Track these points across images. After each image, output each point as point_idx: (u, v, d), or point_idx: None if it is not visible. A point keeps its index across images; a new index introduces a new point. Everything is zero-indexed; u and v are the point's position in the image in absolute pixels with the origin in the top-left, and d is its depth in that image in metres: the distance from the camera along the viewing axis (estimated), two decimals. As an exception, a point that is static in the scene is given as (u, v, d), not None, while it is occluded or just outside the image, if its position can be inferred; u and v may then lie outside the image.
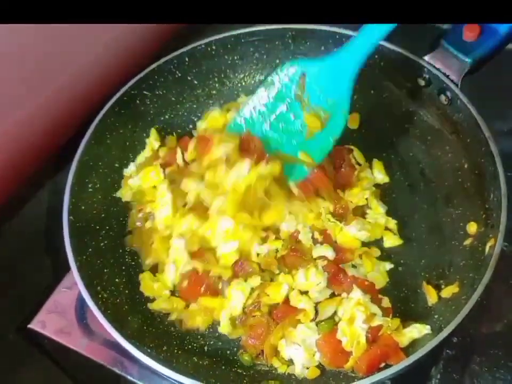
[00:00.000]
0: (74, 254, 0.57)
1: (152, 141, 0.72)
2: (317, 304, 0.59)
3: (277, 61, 0.76)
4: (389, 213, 0.65)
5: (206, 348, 0.60)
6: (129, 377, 0.62)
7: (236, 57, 0.75)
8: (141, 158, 0.71)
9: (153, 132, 0.72)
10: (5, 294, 0.68)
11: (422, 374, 0.60)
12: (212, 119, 0.72)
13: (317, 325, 0.58)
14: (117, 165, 0.69)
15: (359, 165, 0.68)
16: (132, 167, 0.70)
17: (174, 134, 0.73)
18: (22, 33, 0.49)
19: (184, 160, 0.68)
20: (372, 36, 0.58)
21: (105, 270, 0.62)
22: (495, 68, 0.70)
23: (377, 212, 0.65)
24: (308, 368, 0.56)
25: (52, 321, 0.66)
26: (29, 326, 0.66)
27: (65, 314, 0.66)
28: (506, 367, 0.59)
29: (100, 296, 0.58)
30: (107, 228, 0.66)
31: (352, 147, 0.69)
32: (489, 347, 0.61)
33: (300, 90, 0.62)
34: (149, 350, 0.55)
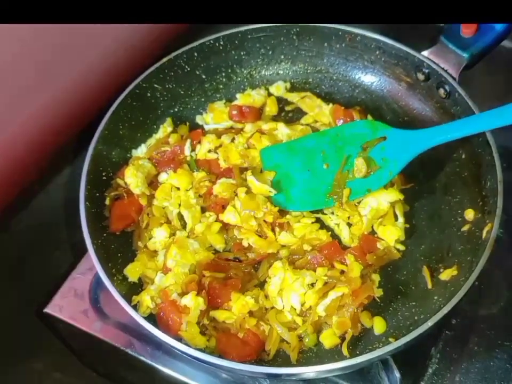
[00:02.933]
0: (91, 237, 0.60)
1: (166, 126, 0.74)
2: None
3: (282, 57, 0.79)
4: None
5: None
6: (141, 357, 0.65)
7: (242, 53, 0.77)
8: (151, 140, 0.74)
9: (168, 120, 0.75)
10: (23, 279, 0.71)
11: (423, 354, 0.63)
12: (217, 112, 0.76)
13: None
14: (128, 155, 0.72)
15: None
16: (143, 149, 0.73)
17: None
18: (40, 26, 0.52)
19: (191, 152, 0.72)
20: (450, 131, 0.62)
21: (119, 254, 0.65)
22: (492, 64, 0.73)
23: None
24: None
25: (67, 306, 0.68)
26: (45, 310, 0.68)
27: (79, 299, 0.69)
28: (502, 346, 0.62)
29: (115, 278, 0.61)
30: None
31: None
32: (486, 328, 0.64)
33: (367, 144, 0.67)
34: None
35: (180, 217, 0.67)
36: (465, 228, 0.63)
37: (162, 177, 0.70)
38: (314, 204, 0.67)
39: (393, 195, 0.67)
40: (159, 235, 0.66)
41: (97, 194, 0.66)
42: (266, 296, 0.61)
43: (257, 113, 0.76)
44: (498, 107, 0.61)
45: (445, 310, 0.53)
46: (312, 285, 0.61)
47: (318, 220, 0.67)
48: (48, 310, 0.68)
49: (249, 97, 0.77)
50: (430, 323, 0.53)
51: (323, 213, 0.67)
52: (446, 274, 0.61)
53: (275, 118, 0.76)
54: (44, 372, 0.74)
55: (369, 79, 0.76)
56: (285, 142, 0.71)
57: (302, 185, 0.67)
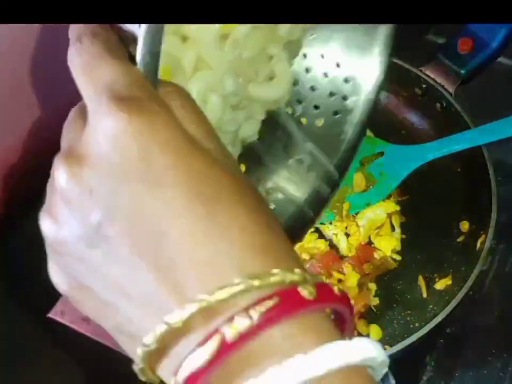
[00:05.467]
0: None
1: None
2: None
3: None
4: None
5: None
6: (142, 363, 0.66)
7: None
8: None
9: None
10: (26, 284, 0.72)
11: (418, 362, 0.64)
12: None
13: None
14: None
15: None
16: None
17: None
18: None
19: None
20: (446, 146, 0.65)
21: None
22: (488, 79, 0.75)
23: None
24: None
25: (70, 311, 0.69)
26: (49, 315, 0.69)
27: (82, 304, 0.70)
28: (496, 355, 0.63)
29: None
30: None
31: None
32: (480, 337, 0.65)
33: (365, 159, 0.69)
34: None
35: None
36: (460, 238, 0.65)
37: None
38: None
39: (390, 206, 0.69)
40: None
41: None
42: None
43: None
44: (492, 122, 0.63)
45: (439, 318, 0.55)
46: (310, 293, 0.63)
47: (317, 230, 0.68)
48: (51, 315, 0.70)
49: None
50: (424, 331, 0.55)
51: (321, 223, 0.68)
52: (440, 284, 0.62)
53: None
54: (45, 377, 0.75)
55: (368, 93, 0.78)
56: None
57: None
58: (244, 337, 0.19)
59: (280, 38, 0.36)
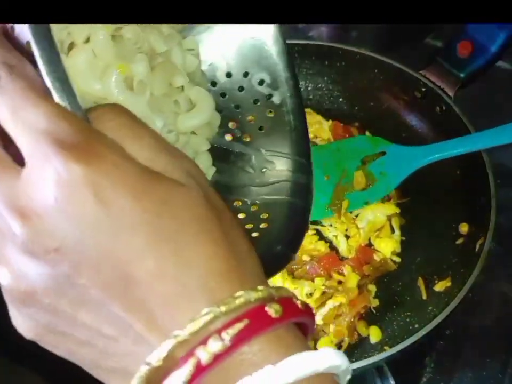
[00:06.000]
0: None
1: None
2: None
3: (284, 74, 0.81)
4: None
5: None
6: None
7: (245, 70, 0.80)
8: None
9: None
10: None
11: (417, 363, 0.64)
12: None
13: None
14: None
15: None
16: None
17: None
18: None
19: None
20: (447, 149, 0.66)
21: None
22: (487, 83, 0.76)
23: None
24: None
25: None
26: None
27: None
28: (495, 356, 0.64)
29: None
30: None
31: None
32: (479, 339, 0.65)
33: (366, 158, 0.69)
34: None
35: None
36: (460, 241, 0.66)
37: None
38: (314, 214, 0.68)
39: (390, 209, 0.69)
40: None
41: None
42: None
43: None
44: (494, 128, 0.63)
45: (438, 319, 0.55)
46: (311, 294, 0.63)
47: (317, 232, 0.69)
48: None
49: None
50: (423, 332, 0.55)
51: (322, 225, 0.69)
52: (440, 286, 0.63)
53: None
54: (45, 377, 0.75)
55: (368, 96, 0.79)
56: None
57: None
58: (217, 358, 0.21)
59: (180, 70, 0.36)
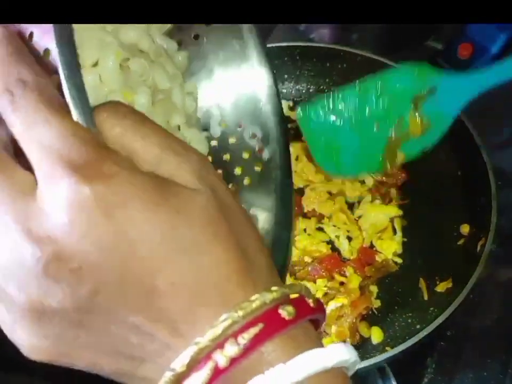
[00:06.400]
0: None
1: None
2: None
3: (285, 76, 0.82)
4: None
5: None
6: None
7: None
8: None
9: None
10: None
11: (419, 364, 0.65)
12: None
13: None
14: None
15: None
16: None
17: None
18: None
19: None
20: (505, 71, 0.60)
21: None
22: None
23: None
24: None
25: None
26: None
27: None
28: (495, 357, 0.64)
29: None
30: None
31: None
32: (480, 340, 0.66)
33: (417, 99, 0.60)
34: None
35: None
36: (460, 242, 0.66)
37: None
38: (368, 167, 0.64)
39: (393, 211, 0.70)
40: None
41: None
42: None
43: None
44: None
45: (439, 320, 0.56)
46: (313, 295, 0.63)
47: (319, 232, 0.69)
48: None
49: None
50: (425, 332, 0.55)
51: (322, 224, 0.69)
52: (441, 287, 0.63)
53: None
54: (45, 379, 0.76)
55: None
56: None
57: (351, 150, 0.63)
58: (233, 361, 0.22)
59: (179, 109, 0.37)
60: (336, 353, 0.24)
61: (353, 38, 0.88)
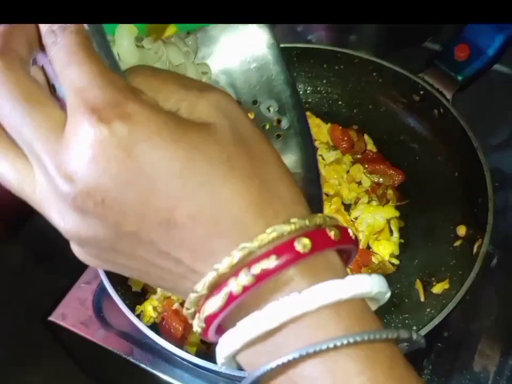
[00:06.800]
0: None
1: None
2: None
3: (283, 77, 0.82)
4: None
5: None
6: (142, 365, 0.66)
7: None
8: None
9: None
10: (28, 287, 0.73)
11: (415, 365, 0.64)
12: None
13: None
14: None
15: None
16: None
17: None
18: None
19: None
20: None
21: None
22: (484, 86, 0.76)
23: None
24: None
25: (71, 314, 0.70)
26: (50, 318, 0.70)
27: (84, 308, 0.70)
28: (492, 359, 0.64)
29: (119, 288, 0.63)
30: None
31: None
32: (476, 341, 0.66)
33: None
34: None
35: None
36: (457, 243, 0.66)
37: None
38: None
39: (390, 212, 0.70)
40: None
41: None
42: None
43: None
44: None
45: (436, 321, 0.56)
46: (309, 296, 0.63)
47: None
48: (52, 318, 0.70)
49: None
50: (421, 334, 0.55)
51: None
52: (438, 288, 0.63)
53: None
54: (46, 381, 0.76)
55: (366, 99, 0.79)
56: None
57: None
58: (246, 289, 0.23)
59: None
60: (354, 285, 0.24)
61: (351, 40, 0.88)
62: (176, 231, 0.24)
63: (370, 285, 0.25)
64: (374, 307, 0.27)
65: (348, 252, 0.27)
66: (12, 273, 0.71)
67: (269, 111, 0.44)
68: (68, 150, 0.24)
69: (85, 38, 0.25)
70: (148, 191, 0.24)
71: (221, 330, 0.26)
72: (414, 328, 0.61)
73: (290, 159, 0.44)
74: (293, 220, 0.24)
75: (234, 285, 0.23)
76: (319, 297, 0.23)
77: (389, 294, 0.27)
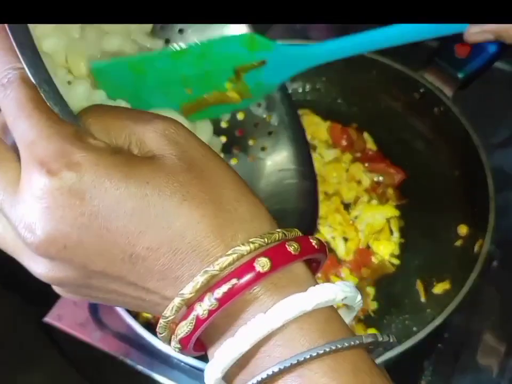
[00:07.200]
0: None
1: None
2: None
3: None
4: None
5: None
6: (138, 366, 0.66)
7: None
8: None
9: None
10: (24, 288, 0.72)
11: (416, 366, 0.64)
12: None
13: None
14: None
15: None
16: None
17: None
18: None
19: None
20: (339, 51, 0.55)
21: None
22: (485, 84, 0.75)
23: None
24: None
25: (66, 315, 0.69)
26: (45, 319, 0.69)
27: (79, 309, 0.70)
28: (494, 359, 0.63)
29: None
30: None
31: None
32: (477, 341, 0.65)
33: (241, 68, 0.51)
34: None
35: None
36: (458, 243, 0.65)
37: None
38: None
39: (390, 211, 0.69)
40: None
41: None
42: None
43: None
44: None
45: (436, 322, 0.55)
46: (308, 297, 0.62)
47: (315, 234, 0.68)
48: (47, 319, 0.69)
49: None
50: (422, 335, 0.54)
51: (318, 225, 0.68)
52: (438, 288, 0.62)
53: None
54: (41, 383, 0.75)
55: (366, 97, 0.78)
56: (126, 57, 0.47)
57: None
58: (211, 312, 0.24)
59: None
60: (316, 295, 0.25)
61: (350, 37, 0.87)
62: (139, 264, 0.25)
63: (333, 292, 0.25)
64: (350, 316, 0.28)
65: (317, 260, 0.28)
66: (6, 273, 0.70)
67: (258, 107, 0.45)
68: (24, 202, 0.25)
69: (33, 89, 0.26)
70: (106, 231, 0.25)
71: (201, 346, 0.27)
72: (415, 328, 0.60)
73: (283, 155, 0.44)
74: (251, 239, 0.25)
75: (200, 310, 0.24)
76: (283, 314, 0.24)
77: (359, 297, 0.27)
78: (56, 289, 0.29)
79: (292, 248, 0.25)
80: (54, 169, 0.24)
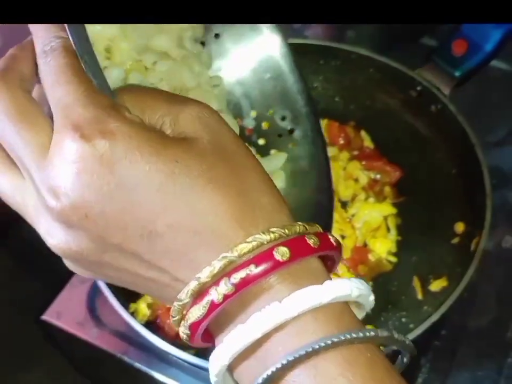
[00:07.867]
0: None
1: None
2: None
3: (279, 73, 0.81)
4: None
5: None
6: (136, 364, 0.66)
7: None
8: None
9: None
10: (22, 286, 0.72)
11: (413, 363, 0.64)
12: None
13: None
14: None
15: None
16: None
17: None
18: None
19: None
20: None
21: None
22: (482, 82, 0.75)
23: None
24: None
25: (65, 313, 0.69)
26: (43, 317, 0.69)
27: (77, 307, 0.70)
28: (491, 357, 0.64)
29: (113, 286, 0.62)
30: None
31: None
32: (475, 339, 0.65)
33: None
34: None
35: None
36: (455, 240, 0.65)
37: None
38: None
39: (387, 209, 0.69)
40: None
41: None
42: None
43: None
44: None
45: (433, 319, 0.55)
46: (306, 294, 0.63)
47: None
48: (45, 317, 0.69)
49: None
50: (419, 331, 0.55)
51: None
52: (436, 285, 0.63)
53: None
54: (39, 381, 0.75)
55: (363, 95, 0.79)
56: None
57: None
58: (226, 297, 0.24)
59: (215, 95, 0.40)
60: (332, 289, 0.25)
61: (348, 36, 0.87)
62: (157, 241, 0.25)
63: (349, 288, 0.25)
64: (361, 314, 0.28)
65: (332, 258, 0.27)
66: (4, 271, 0.70)
67: (283, 120, 0.45)
68: (53, 165, 0.25)
69: (74, 59, 0.26)
70: (129, 204, 0.25)
71: (209, 337, 0.26)
72: (412, 326, 0.60)
73: (303, 167, 0.44)
74: (272, 229, 0.25)
75: (215, 294, 0.24)
76: (299, 304, 0.24)
77: (372, 297, 0.27)
78: (67, 263, 0.28)
79: (311, 241, 0.25)
80: (88, 134, 0.24)
